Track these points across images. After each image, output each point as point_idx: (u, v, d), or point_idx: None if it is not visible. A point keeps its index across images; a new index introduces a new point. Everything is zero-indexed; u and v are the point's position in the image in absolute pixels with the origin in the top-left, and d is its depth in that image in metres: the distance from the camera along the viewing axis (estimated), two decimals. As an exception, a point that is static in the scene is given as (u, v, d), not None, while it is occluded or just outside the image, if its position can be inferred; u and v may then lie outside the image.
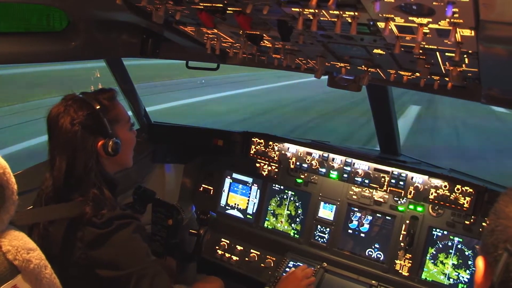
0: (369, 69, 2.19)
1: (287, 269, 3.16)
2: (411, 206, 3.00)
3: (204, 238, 2.81)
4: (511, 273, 0.95)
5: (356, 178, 3.16)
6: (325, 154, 3.28)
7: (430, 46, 1.47)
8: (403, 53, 1.72)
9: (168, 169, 3.90)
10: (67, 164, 1.89)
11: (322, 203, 3.29)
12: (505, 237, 0.99)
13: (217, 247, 3.59)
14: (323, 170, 3.28)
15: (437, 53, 1.53)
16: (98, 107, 1.95)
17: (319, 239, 3.27)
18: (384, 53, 1.83)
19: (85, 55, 2.53)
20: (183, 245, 2.87)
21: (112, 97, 2.08)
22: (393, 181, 3.03)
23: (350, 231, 3.19)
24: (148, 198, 2.84)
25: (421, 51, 1.57)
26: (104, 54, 2.82)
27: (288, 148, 3.43)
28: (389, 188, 3.04)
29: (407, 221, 2.99)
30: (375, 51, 1.80)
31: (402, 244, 2.98)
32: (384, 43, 1.61)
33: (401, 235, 2.99)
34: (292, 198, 3.44)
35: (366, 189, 3.15)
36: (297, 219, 3.40)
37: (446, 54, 1.51)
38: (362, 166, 3.15)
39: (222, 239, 3.61)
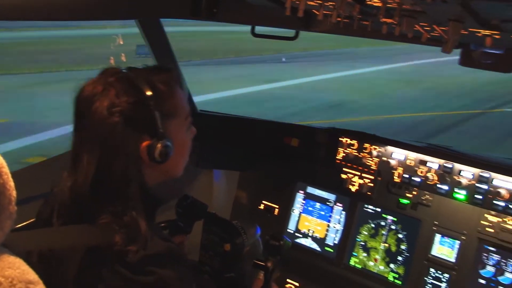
0: None
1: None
2: None
3: (273, 274, 2.75)
4: None
5: (495, 202, 2.96)
6: (449, 164, 3.13)
7: None
8: None
9: (218, 177, 3.94)
10: (98, 167, 1.84)
11: (438, 235, 3.15)
12: None
13: None
14: (445, 187, 3.13)
15: None
16: (149, 93, 1.88)
17: None
18: None
19: (111, 13, 2.51)
20: (241, 281, 2.81)
21: (172, 81, 2.03)
22: None
23: (482, 281, 3.00)
24: (197, 213, 2.85)
25: None
26: (138, 13, 2.78)
27: (393, 153, 3.32)
28: None
29: None
30: None
31: None
32: None
33: None
34: (393, 227, 3.31)
35: (510, 219, 2.95)
36: (400, 258, 3.27)
37: None
38: (506, 183, 2.96)
39: (289, 281, 3.55)
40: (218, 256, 2.76)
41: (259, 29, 3.00)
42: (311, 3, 2.14)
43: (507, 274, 2.91)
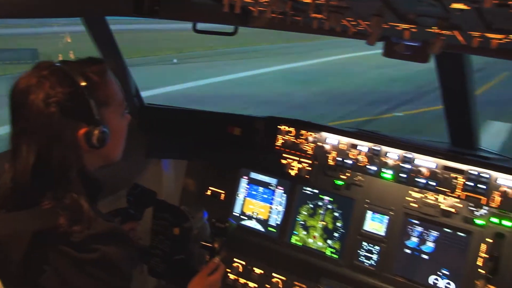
0: (442, 32, 2.06)
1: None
2: (494, 219, 2.93)
3: (220, 253, 2.83)
4: None
5: (417, 179, 3.12)
6: (377, 147, 3.26)
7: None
8: (496, 7, 1.58)
9: (166, 166, 3.94)
10: (38, 157, 1.84)
11: (369, 212, 3.27)
12: None
13: (229, 270, 3.58)
14: (373, 168, 3.26)
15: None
16: (83, 83, 1.91)
17: (365, 260, 3.24)
18: (467, 8, 1.72)
19: (55, 11, 2.47)
20: (190, 262, 2.89)
21: (104, 71, 2.05)
22: (470, 183, 2.98)
23: (407, 250, 3.15)
24: (147, 200, 2.91)
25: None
26: (81, 11, 2.75)
27: (326, 138, 3.42)
28: (464, 193, 3.00)
29: (489, 240, 2.92)
30: (454, 5, 1.68)
31: (482, 271, 2.90)
32: (470, -6, 1.55)
33: (481, 259, 2.92)
34: (329, 206, 3.42)
35: (430, 195, 3.11)
36: (336, 234, 3.38)
37: None
38: (426, 163, 3.11)
39: (236, 260, 3.62)
40: (168, 240, 2.84)
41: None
42: (248, 0, 2.14)
43: (428, 243, 3.06)
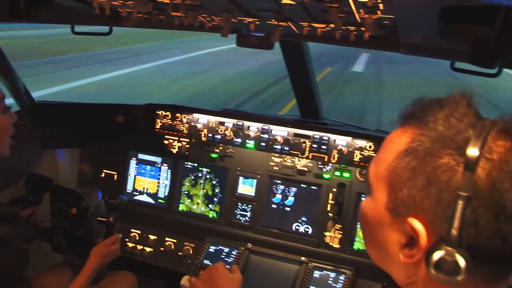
0: (279, 23, 2.17)
1: (208, 255, 3.21)
2: (337, 173, 3.11)
3: (115, 225, 2.81)
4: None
5: (275, 146, 3.21)
6: (239, 122, 3.29)
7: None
8: (314, 1, 1.67)
9: (61, 155, 3.74)
10: None
11: (241, 178, 3.34)
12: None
13: (127, 240, 3.53)
14: (239, 140, 3.30)
15: (349, -1, 1.49)
16: None
17: (241, 218, 3.31)
18: (294, 3, 1.80)
19: None
20: (90, 237, 2.84)
21: None
22: (314, 145, 3.11)
23: (274, 206, 3.27)
24: (45, 187, 2.83)
25: (332, -3, 1.52)
26: None
27: (198, 119, 3.42)
28: (311, 154, 3.12)
29: (334, 189, 3.09)
30: (285, 1, 1.79)
31: (330, 214, 3.09)
32: (293, -10, 1.60)
33: (329, 205, 3.10)
34: (207, 176, 3.46)
35: (287, 158, 3.23)
36: (215, 199, 3.43)
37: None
38: (280, 132, 3.21)
39: (132, 230, 3.56)
40: (68, 219, 2.76)
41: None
42: (115, 3, 2.11)
43: (290, 198, 3.20)
